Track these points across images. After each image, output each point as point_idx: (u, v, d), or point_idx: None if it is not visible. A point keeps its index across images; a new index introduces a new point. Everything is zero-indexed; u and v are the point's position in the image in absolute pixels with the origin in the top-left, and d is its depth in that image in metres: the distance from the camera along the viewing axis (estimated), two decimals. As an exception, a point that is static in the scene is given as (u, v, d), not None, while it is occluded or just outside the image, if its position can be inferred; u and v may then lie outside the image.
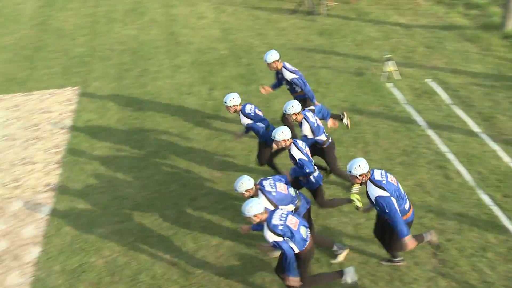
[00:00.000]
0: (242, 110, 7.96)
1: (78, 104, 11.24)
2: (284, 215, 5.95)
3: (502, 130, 9.21)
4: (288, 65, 8.67)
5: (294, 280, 6.01)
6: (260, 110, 8.14)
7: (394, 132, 9.43)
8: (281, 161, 8.70)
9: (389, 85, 10.86)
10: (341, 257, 6.99)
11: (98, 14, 16.07)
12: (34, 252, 7.60)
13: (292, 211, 6.56)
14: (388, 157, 8.80)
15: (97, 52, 13.48)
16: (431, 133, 9.31)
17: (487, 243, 7.06)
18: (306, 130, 7.53)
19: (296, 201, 6.63)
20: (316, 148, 7.80)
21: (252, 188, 6.37)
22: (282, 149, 7.47)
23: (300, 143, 7.15)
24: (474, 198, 7.82)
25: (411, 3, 14.86)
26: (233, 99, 7.90)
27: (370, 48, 12.43)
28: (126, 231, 7.81)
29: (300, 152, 7.03)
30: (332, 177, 8.37)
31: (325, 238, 7.00)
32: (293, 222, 5.93)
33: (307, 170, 6.96)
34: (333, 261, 6.99)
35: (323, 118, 8.07)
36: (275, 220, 5.87)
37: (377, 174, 6.13)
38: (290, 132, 7.07)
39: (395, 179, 6.24)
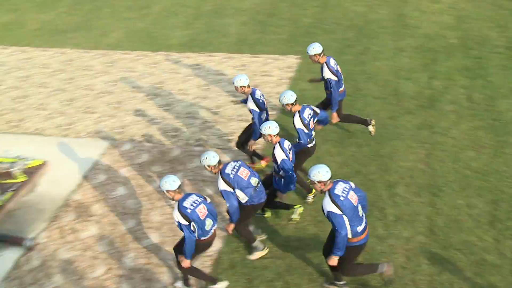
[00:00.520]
0: (252, 94, 8.10)
1: (297, 73, 11.69)
2: (197, 202, 6.26)
3: None
4: (332, 63, 8.60)
5: (186, 262, 6.36)
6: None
7: None
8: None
9: None
10: (257, 255, 7.18)
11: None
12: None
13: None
14: None
15: (323, 24, 13.77)
16: None
17: None
18: (297, 121, 7.53)
19: (251, 191, 6.82)
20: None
21: (215, 166, 6.66)
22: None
23: (286, 144, 7.19)
24: None
25: None
26: (241, 80, 8.13)
27: None
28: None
29: (283, 153, 7.04)
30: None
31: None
32: (202, 211, 6.25)
33: (289, 173, 6.99)
34: (249, 257, 7.18)
35: (320, 123, 8.08)
36: (186, 203, 6.19)
37: (339, 189, 5.90)
38: (277, 128, 7.08)
39: (356, 198, 5.95)
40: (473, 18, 13.22)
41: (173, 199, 6.30)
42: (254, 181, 6.90)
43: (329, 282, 6.68)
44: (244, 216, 6.95)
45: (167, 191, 6.24)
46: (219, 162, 6.72)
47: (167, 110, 10.52)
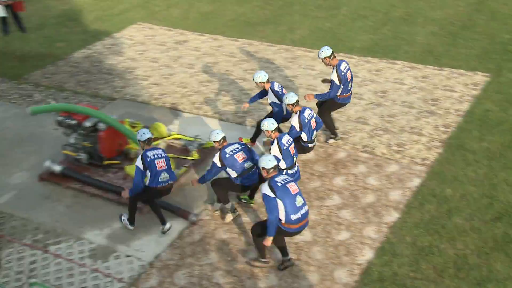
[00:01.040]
0: (272, 87, 8.95)
1: (483, 92, 10.93)
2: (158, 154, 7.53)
3: None
4: (342, 67, 9.00)
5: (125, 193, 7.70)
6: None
7: None
8: None
9: None
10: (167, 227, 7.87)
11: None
12: (393, 216, 8.02)
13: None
14: None
15: (523, 42, 12.67)
16: None
17: None
18: (295, 121, 8.42)
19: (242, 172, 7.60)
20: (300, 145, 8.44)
21: (219, 141, 7.63)
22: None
23: (285, 139, 7.77)
24: None
25: None
26: (259, 77, 8.97)
27: None
28: (486, 230, 7.45)
29: (278, 149, 7.63)
30: None
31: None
32: (161, 164, 7.49)
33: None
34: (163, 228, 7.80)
35: (316, 127, 8.68)
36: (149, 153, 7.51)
37: (280, 178, 6.69)
38: (274, 124, 7.73)
39: (296, 189, 6.65)
40: None
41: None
42: (247, 165, 7.69)
43: (254, 258, 7.27)
44: (228, 186, 7.85)
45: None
46: (224, 139, 7.68)
47: (339, 112, 10.57)
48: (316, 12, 15.58)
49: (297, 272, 7.16)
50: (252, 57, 13.21)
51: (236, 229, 7.98)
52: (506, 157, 8.97)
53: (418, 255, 7.25)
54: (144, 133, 7.63)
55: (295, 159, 7.98)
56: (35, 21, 15.60)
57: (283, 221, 6.59)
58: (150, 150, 7.59)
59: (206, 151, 9.50)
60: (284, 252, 7.14)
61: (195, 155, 9.36)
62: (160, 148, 7.81)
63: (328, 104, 9.39)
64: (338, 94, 9.15)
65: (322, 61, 9.16)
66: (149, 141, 7.63)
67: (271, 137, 7.84)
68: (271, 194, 6.53)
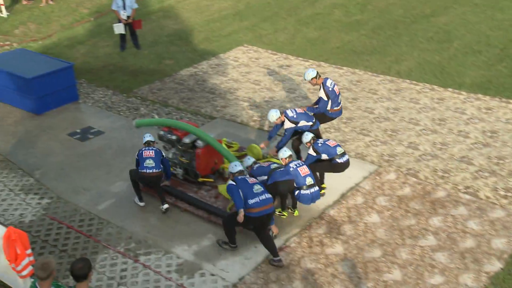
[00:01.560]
0: (324, 83, 9.82)
1: None
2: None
3: None
4: (328, 83, 9.77)
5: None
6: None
7: None
8: None
9: None
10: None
11: None
12: (495, 266, 7.53)
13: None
14: None
15: None
16: None
17: None
18: (322, 93, 9.71)
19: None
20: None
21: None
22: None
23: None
24: None
25: None
26: (308, 74, 9.90)
27: None
28: None
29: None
30: None
31: None
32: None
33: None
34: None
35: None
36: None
37: (242, 176, 8.09)
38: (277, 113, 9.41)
39: (254, 180, 8.01)
40: None
41: None
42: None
43: (223, 241, 8.08)
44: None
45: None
46: (290, 156, 8.67)
47: (441, 149, 10.15)
48: (425, 44, 15.17)
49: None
50: (354, 86, 13.09)
51: (323, 259, 7.85)
52: None
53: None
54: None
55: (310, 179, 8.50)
56: (149, 39, 16.52)
57: (244, 207, 7.68)
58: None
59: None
60: (273, 252, 7.78)
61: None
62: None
63: (319, 118, 9.87)
64: (329, 108, 9.89)
65: (309, 82, 10.00)
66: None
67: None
68: (233, 183, 7.91)
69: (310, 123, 9.49)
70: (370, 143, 10.69)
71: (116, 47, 15.85)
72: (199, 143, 9.25)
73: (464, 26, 15.97)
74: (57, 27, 17.82)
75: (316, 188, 8.51)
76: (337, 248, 8.06)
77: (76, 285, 5.43)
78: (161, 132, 9.63)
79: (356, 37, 16.08)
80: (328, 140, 9.01)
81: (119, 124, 11.85)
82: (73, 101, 12.83)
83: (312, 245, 8.14)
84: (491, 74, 13.10)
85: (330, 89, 9.80)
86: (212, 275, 7.67)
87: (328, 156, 8.79)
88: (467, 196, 8.94)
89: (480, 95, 12.18)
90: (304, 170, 8.52)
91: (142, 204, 9.12)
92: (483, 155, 10.02)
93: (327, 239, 8.22)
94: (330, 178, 9.40)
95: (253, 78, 13.82)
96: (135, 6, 15.30)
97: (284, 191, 8.44)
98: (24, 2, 19.40)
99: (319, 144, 8.86)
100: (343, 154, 8.86)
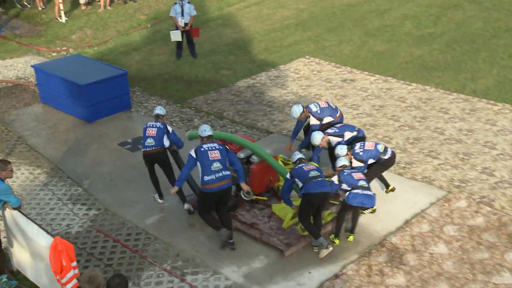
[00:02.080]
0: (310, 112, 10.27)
1: None
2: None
3: None
4: (313, 109, 10.04)
5: None
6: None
7: None
8: None
9: None
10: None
11: None
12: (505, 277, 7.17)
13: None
14: None
15: None
16: None
17: None
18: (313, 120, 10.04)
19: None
20: None
21: (303, 113, 10.02)
22: None
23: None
24: None
25: None
26: (295, 112, 10.16)
27: None
28: None
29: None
30: None
31: None
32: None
33: None
34: None
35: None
36: None
37: (206, 145, 8.44)
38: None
39: (215, 156, 8.31)
40: None
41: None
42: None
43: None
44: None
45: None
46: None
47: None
48: (507, 60, 14.72)
49: None
50: (423, 104, 12.84)
51: (382, 291, 7.68)
52: None
53: None
54: (205, 130, 8.69)
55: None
56: (206, 47, 16.82)
57: (201, 183, 8.23)
58: None
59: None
60: (229, 236, 8.41)
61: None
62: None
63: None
64: (331, 120, 10.05)
65: (299, 119, 10.19)
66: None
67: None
68: (194, 155, 8.35)
69: (355, 133, 9.61)
70: (439, 167, 10.42)
71: (172, 55, 16.22)
72: (254, 158, 9.28)
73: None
74: (113, 33, 18.45)
75: (370, 192, 8.35)
76: (399, 279, 7.86)
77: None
78: (215, 146, 9.72)
79: (428, 51, 15.80)
80: (354, 171, 8.70)
81: (172, 135, 12.05)
82: (126, 110, 13.20)
83: (371, 274, 7.98)
84: None
85: (318, 112, 10.05)
86: (262, 300, 7.64)
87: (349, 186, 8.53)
88: (548, 230, 8.56)
89: None
90: (358, 175, 8.51)
91: (161, 201, 9.66)
92: None
93: (387, 268, 8.04)
94: (392, 203, 9.21)
95: (314, 92, 13.80)
96: (194, 13, 15.64)
97: (316, 204, 8.29)
98: (83, 8, 20.22)
99: (345, 173, 8.65)
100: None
